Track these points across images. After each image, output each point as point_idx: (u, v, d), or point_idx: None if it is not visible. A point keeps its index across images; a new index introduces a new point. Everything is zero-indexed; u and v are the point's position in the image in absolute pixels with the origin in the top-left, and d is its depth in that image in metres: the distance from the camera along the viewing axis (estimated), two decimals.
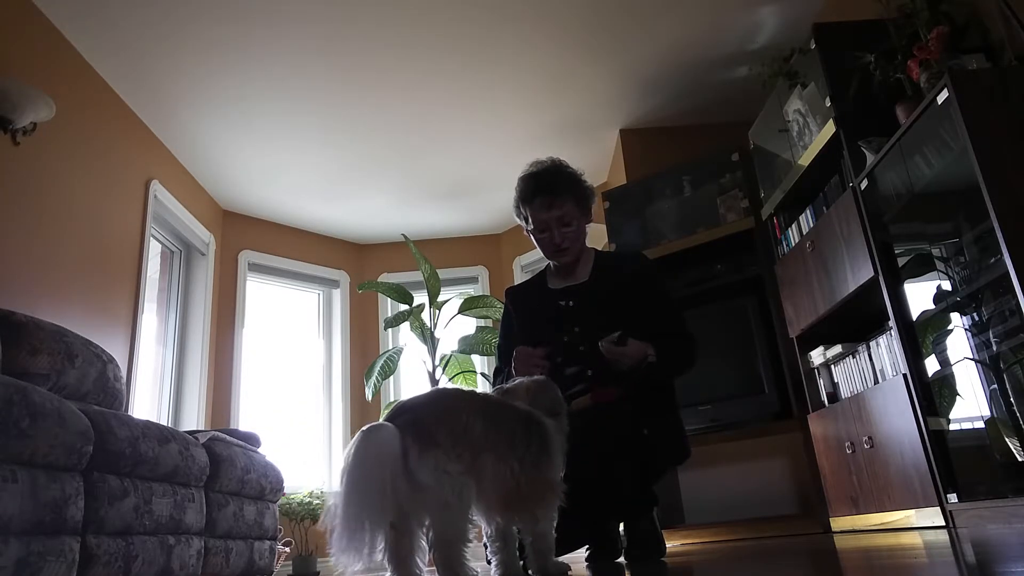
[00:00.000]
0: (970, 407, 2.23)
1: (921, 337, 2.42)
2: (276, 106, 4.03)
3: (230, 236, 5.19)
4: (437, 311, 5.03)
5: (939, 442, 2.33)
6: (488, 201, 5.37)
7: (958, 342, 2.26)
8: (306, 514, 4.54)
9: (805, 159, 3.10)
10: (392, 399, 5.41)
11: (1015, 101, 2.06)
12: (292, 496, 4.56)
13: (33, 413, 1.69)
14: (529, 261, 5.65)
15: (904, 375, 2.46)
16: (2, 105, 2.77)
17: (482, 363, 5.36)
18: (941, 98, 2.14)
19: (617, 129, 4.53)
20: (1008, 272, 1.89)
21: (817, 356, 3.20)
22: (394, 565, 1.24)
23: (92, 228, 3.50)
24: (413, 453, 1.21)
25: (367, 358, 5.49)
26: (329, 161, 4.68)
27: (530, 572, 1.46)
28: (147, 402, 4.27)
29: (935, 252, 2.36)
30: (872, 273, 2.58)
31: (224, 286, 5.07)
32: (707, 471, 3.72)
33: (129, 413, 3.24)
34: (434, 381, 4.92)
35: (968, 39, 2.39)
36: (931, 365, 2.40)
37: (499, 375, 2.26)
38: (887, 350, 2.70)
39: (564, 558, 1.52)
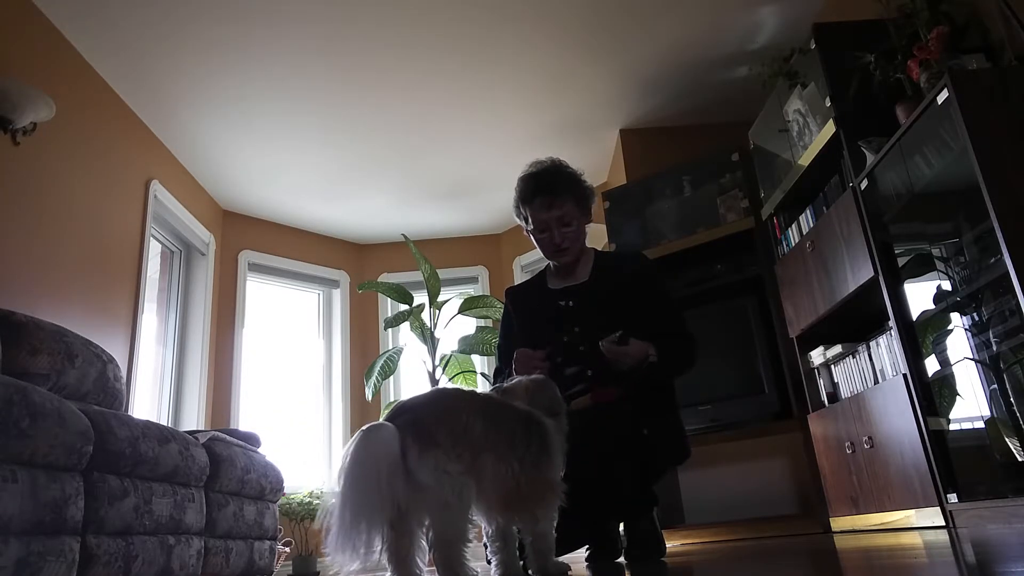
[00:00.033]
0: (970, 407, 2.23)
1: (921, 337, 2.42)
2: (276, 106, 4.03)
3: (230, 236, 5.19)
4: (437, 311, 5.03)
5: (939, 442, 2.33)
6: (488, 201, 5.37)
7: (958, 342, 2.26)
8: (306, 514, 4.54)
9: (805, 159, 3.10)
10: (392, 399, 5.41)
11: (1015, 101, 2.06)
12: (292, 496, 4.57)
13: (33, 413, 1.69)
14: (529, 261, 5.65)
15: (904, 375, 2.46)
16: (2, 105, 2.77)
17: (482, 363, 5.36)
18: (941, 98, 2.14)
19: (617, 129, 4.53)
20: (1008, 272, 1.89)
21: (817, 356, 3.20)
22: (394, 565, 1.24)
23: (92, 228, 3.50)
24: (413, 453, 1.21)
25: (367, 358, 5.49)
26: (329, 161, 4.68)
27: (530, 572, 1.46)
28: (147, 402, 4.27)
29: (935, 252, 2.36)
30: (872, 273, 2.58)
31: (224, 286, 5.07)
32: (707, 471, 3.72)
33: (129, 413, 3.24)
34: (434, 381, 4.92)
35: (968, 39, 2.39)
36: (931, 365, 2.40)
37: (499, 375, 2.26)
38: (887, 350, 2.70)
39: (564, 558, 1.52)
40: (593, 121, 4.43)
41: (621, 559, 2.10)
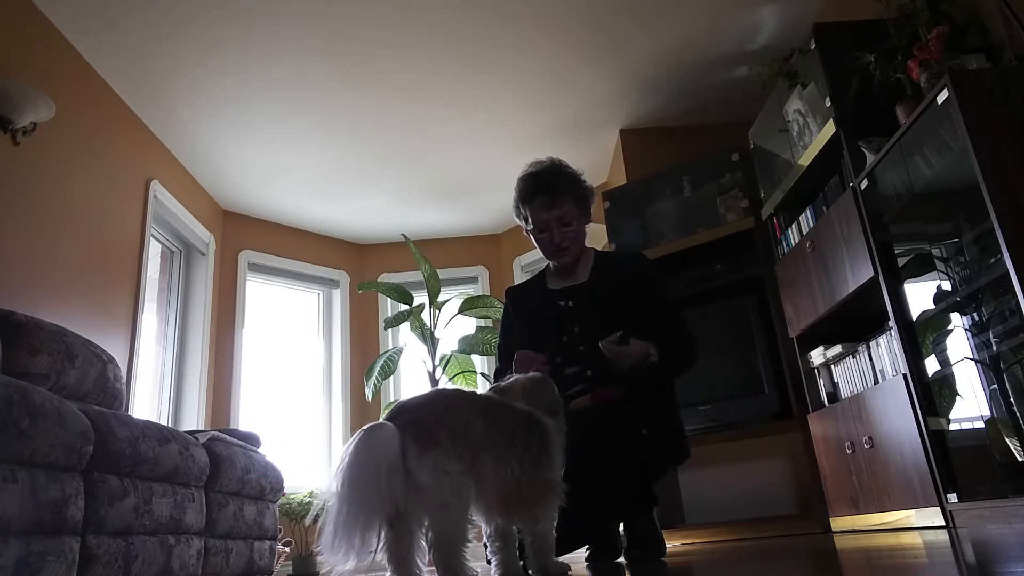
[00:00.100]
0: (970, 407, 2.23)
1: (921, 337, 2.42)
2: (276, 106, 4.03)
3: (230, 236, 5.19)
4: (437, 311, 5.03)
5: (939, 442, 2.33)
6: (488, 201, 5.37)
7: (958, 342, 2.26)
8: (306, 514, 4.54)
9: (805, 159, 3.10)
10: (392, 399, 5.41)
11: (1015, 101, 2.06)
12: (292, 496, 4.56)
13: (33, 413, 1.69)
14: (529, 261, 5.65)
15: (904, 375, 2.46)
16: (2, 105, 2.77)
17: (482, 363, 5.36)
18: (941, 98, 2.14)
19: (617, 129, 4.53)
20: (1008, 272, 1.89)
21: (817, 356, 3.20)
22: (394, 565, 1.24)
23: (92, 228, 3.50)
24: (412, 453, 1.21)
25: (367, 358, 5.49)
26: (329, 161, 4.68)
27: (530, 572, 1.46)
28: (147, 402, 4.27)
29: (935, 252, 2.36)
30: (872, 273, 2.58)
31: (224, 286, 5.07)
32: (707, 471, 3.72)
33: (129, 413, 3.24)
34: (434, 381, 4.92)
35: (968, 39, 2.39)
36: (931, 365, 2.40)
37: (500, 376, 2.25)
38: (887, 350, 2.70)
39: (564, 558, 1.52)
40: (593, 121, 4.43)
41: (621, 559, 2.10)
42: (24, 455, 1.67)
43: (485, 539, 1.43)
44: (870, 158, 2.60)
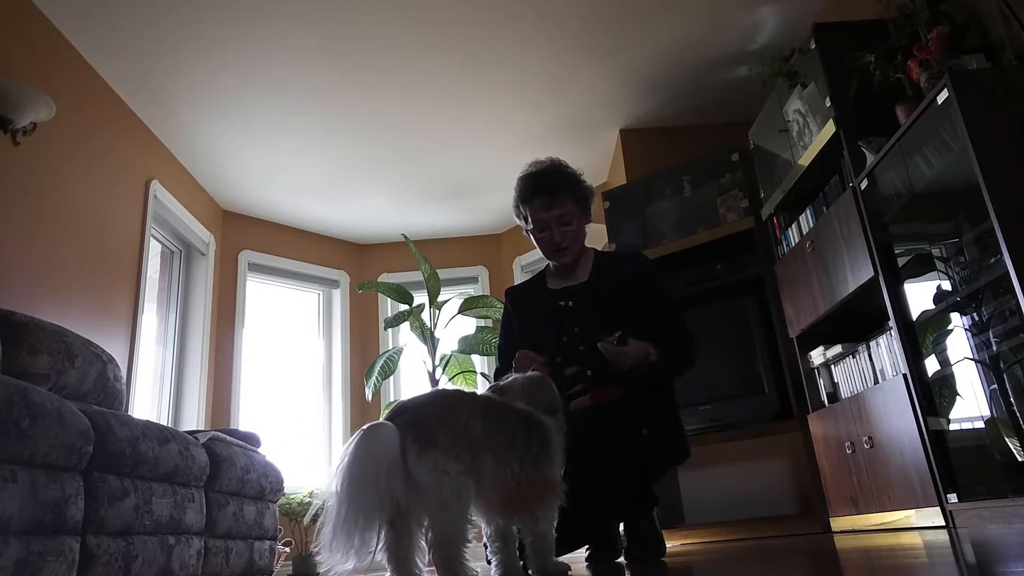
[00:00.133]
0: (970, 407, 2.23)
1: (921, 337, 2.42)
2: (276, 106, 4.03)
3: (230, 236, 5.19)
4: (437, 311, 5.03)
5: (939, 442, 2.33)
6: (488, 201, 5.37)
7: (958, 342, 2.26)
8: (306, 514, 4.54)
9: (805, 159, 3.10)
10: (392, 399, 5.41)
11: (1015, 101, 2.06)
12: (292, 496, 4.56)
13: (33, 413, 1.69)
14: (529, 261, 5.65)
15: (904, 375, 2.45)
16: (2, 105, 2.77)
17: (482, 363, 5.36)
18: (941, 98, 2.14)
19: (617, 129, 4.53)
20: (1008, 272, 1.89)
21: (817, 356, 3.20)
22: (393, 565, 1.24)
23: (92, 228, 3.50)
24: (412, 453, 1.21)
25: (367, 358, 5.49)
26: (329, 161, 4.68)
27: (530, 572, 1.46)
28: (147, 402, 4.27)
29: (935, 252, 2.36)
30: (872, 273, 2.58)
31: (224, 286, 5.07)
32: (707, 471, 3.72)
33: (129, 413, 3.24)
34: (434, 381, 4.92)
35: (968, 39, 2.39)
36: (931, 365, 2.40)
37: (500, 376, 2.25)
38: (887, 350, 2.70)
39: (564, 558, 1.52)
40: (593, 121, 4.43)
41: (621, 559, 2.10)
42: (24, 455, 1.67)
43: (485, 539, 1.43)
44: (870, 158, 2.60)
